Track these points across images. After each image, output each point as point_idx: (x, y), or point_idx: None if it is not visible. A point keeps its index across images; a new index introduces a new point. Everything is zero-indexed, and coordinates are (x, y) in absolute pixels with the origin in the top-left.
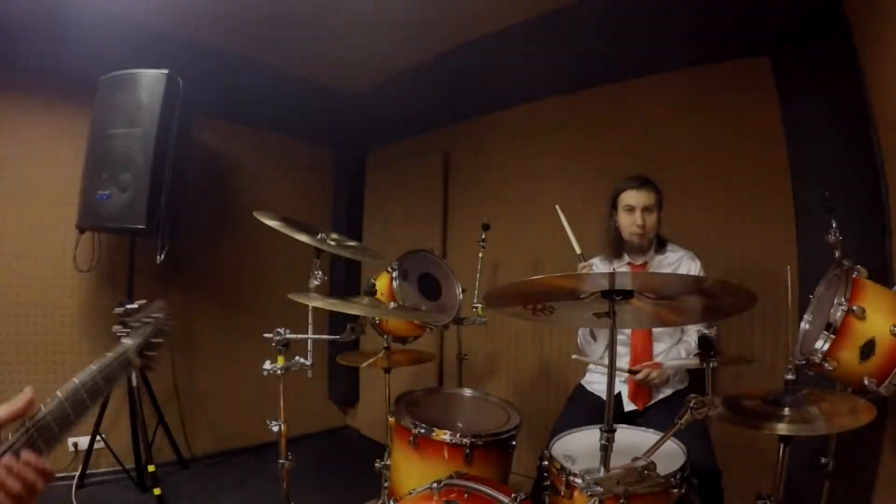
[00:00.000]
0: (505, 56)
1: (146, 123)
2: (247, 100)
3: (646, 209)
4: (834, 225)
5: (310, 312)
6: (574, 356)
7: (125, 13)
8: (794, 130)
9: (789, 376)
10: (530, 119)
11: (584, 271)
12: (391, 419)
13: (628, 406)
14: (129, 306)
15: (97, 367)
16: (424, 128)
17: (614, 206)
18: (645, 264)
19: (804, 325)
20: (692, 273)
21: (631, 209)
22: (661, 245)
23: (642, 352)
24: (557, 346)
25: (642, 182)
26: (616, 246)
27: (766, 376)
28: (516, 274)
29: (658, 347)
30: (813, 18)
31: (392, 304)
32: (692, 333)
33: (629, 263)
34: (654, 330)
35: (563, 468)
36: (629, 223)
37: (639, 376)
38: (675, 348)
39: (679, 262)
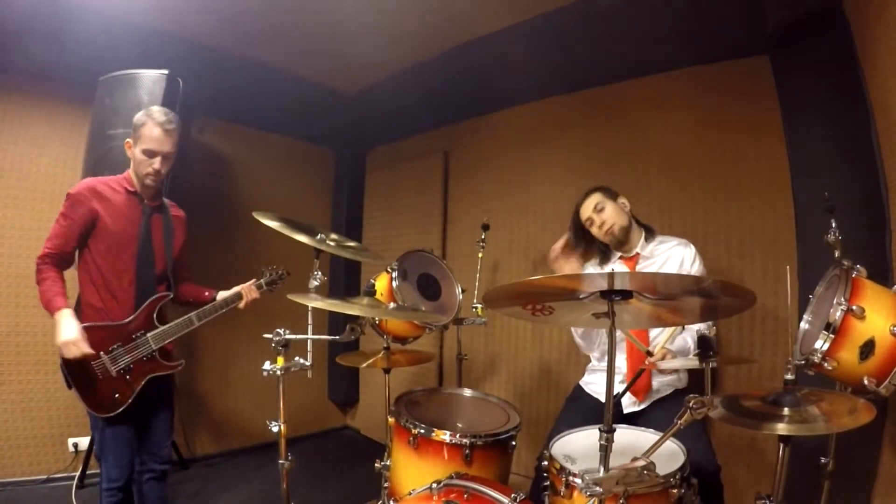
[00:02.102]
0: (505, 56)
1: None
2: (247, 100)
3: (596, 209)
4: (834, 225)
5: (309, 313)
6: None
7: (125, 13)
8: (793, 130)
9: (789, 376)
10: (530, 119)
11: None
12: (391, 419)
13: (628, 407)
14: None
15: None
16: (424, 128)
17: (582, 229)
18: (637, 255)
19: (804, 325)
20: (688, 259)
21: (591, 222)
22: (648, 233)
23: (640, 349)
24: (557, 346)
25: (584, 194)
26: (602, 250)
27: (766, 376)
28: (516, 274)
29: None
30: (813, 18)
31: (392, 305)
32: (695, 326)
33: (621, 257)
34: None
35: (562, 468)
36: (597, 232)
37: (654, 358)
38: (681, 336)
39: (673, 251)
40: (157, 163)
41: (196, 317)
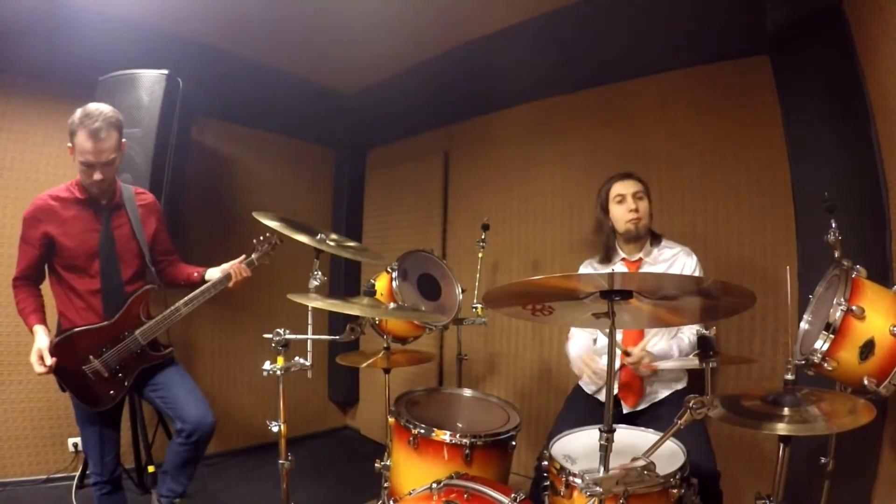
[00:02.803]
0: (505, 56)
1: (146, 124)
2: (247, 100)
3: (636, 195)
4: (834, 225)
5: (309, 313)
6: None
7: (125, 13)
8: (793, 130)
9: (789, 376)
10: (530, 119)
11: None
12: (391, 419)
13: (627, 407)
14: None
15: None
16: (424, 128)
17: (604, 206)
18: (640, 260)
19: (804, 325)
20: (688, 269)
21: (622, 198)
22: (655, 239)
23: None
24: (557, 346)
25: (625, 174)
26: (610, 246)
27: (766, 376)
28: (516, 274)
29: (649, 346)
30: (813, 18)
31: (392, 305)
32: (686, 331)
33: (624, 259)
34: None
35: (562, 468)
36: (623, 212)
37: (630, 359)
38: (668, 343)
39: (675, 258)
40: (96, 174)
41: (183, 304)
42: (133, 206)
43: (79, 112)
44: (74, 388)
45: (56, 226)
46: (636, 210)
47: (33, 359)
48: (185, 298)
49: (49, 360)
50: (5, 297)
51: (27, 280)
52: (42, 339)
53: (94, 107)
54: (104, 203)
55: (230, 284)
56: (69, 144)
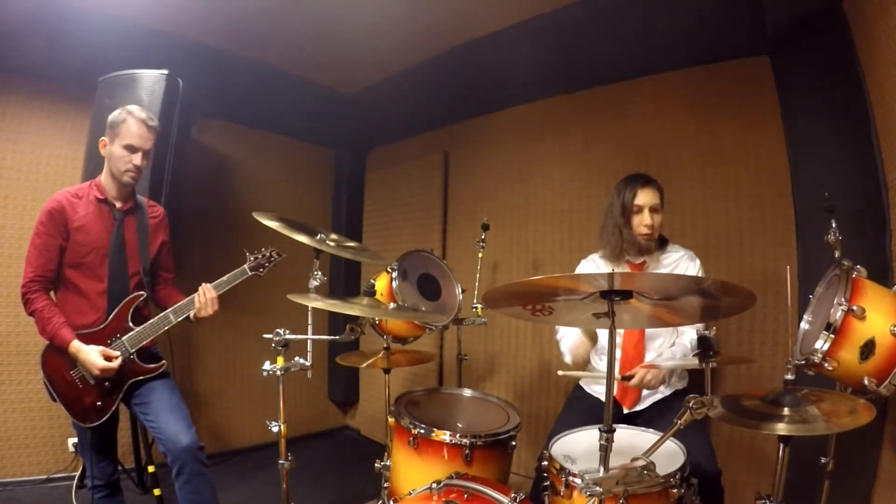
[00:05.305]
0: (505, 56)
1: None
2: (247, 100)
3: (653, 209)
4: (834, 225)
5: (309, 313)
6: (560, 372)
7: (125, 13)
8: (793, 130)
9: (789, 376)
10: (530, 119)
11: None
12: (391, 419)
13: (626, 407)
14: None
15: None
16: (424, 128)
17: (624, 209)
18: (644, 263)
19: (804, 325)
20: (692, 273)
21: (639, 209)
22: (661, 243)
23: (634, 354)
24: (557, 346)
25: (648, 180)
26: (620, 247)
27: (766, 376)
28: (516, 274)
29: (651, 348)
30: (813, 18)
31: (392, 305)
32: (687, 335)
33: (627, 261)
34: (647, 330)
35: (562, 468)
36: (636, 224)
37: (633, 382)
38: (670, 350)
39: (678, 262)
40: (137, 159)
41: (172, 312)
42: (144, 216)
43: (122, 109)
44: (63, 396)
45: (75, 220)
46: (651, 225)
47: (102, 364)
48: (174, 307)
49: (115, 363)
50: (5, 297)
51: (44, 283)
52: (93, 349)
53: (137, 106)
54: (119, 206)
55: (192, 311)
56: (102, 138)
